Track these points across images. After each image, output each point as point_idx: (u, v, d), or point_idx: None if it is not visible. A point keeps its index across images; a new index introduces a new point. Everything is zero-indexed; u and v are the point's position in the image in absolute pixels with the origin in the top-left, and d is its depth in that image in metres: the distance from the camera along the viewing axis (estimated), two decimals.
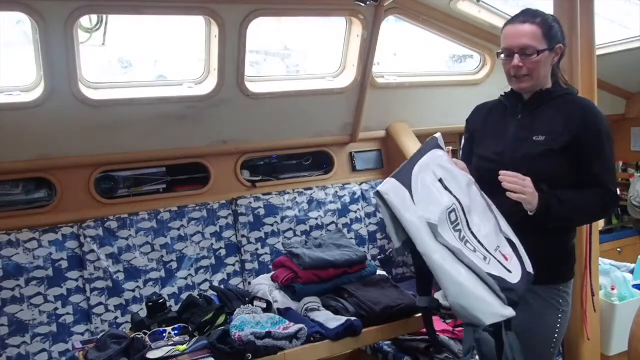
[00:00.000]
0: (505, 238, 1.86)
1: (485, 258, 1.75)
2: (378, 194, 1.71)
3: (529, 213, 1.85)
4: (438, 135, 2.00)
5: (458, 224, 1.77)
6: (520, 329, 1.90)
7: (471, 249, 1.74)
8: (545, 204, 1.84)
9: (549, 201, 1.85)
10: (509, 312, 1.71)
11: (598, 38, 2.39)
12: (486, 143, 2.06)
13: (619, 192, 3.02)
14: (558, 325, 1.97)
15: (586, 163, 1.89)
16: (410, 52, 4.11)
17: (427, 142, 1.95)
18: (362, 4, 2.88)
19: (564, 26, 2.23)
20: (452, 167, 1.89)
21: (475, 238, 1.79)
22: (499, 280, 1.71)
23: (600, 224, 2.57)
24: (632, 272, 2.94)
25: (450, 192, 1.80)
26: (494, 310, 1.69)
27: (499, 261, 1.77)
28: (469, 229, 1.79)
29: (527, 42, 1.87)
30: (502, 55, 1.95)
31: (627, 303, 2.62)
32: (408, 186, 1.73)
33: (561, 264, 1.99)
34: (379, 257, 2.34)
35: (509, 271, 1.77)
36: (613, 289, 2.65)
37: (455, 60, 4.32)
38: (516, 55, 1.90)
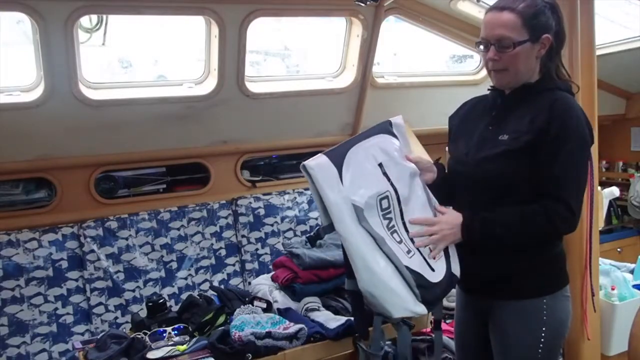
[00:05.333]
0: None
1: (409, 251, 1.68)
2: (304, 168, 1.63)
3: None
4: (395, 119, 1.85)
5: (389, 212, 1.69)
6: (498, 350, 1.83)
7: (396, 240, 1.67)
8: (466, 227, 1.70)
9: (470, 224, 1.70)
10: (421, 309, 1.64)
11: (598, 38, 2.38)
12: (458, 142, 1.88)
13: (617, 193, 3.06)
14: (542, 340, 1.75)
15: (543, 165, 1.65)
16: (410, 52, 4.11)
17: (378, 125, 1.83)
18: (362, 4, 2.88)
19: (564, 26, 2.22)
20: (398, 155, 1.78)
21: (406, 230, 1.71)
22: (417, 275, 1.64)
23: (600, 224, 2.57)
24: (632, 272, 2.94)
25: (388, 179, 1.72)
26: (405, 304, 1.63)
27: (424, 257, 1.70)
28: (402, 219, 1.72)
29: (503, 32, 1.66)
30: (481, 47, 1.74)
31: (627, 303, 2.61)
32: (339, 165, 1.65)
33: (542, 274, 1.78)
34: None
35: (432, 269, 1.70)
36: (613, 289, 2.65)
37: (455, 60, 4.32)
38: (492, 47, 1.69)
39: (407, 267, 1.63)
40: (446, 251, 1.75)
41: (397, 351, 1.77)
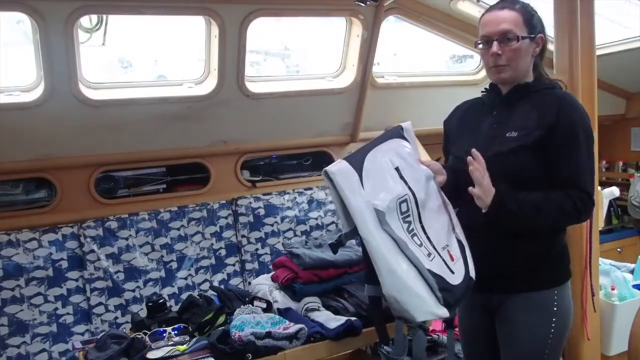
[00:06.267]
0: (456, 239, 1.81)
1: (429, 254, 1.70)
2: (326, 174, 1.66)
3: (483, 210, 1.75)
4: (405, 124, 1.89)
5: (408, 216, 1.71)
6: (506, 342, 1.86)
7: (417, 243, 1.69)
8: (500, 199, 1.72)
9: (505, 197, 1.72)
10: (443, 312, 1.66)
11: (598, 38, 2.38)
12: (460, 142, 1.93)
13: (617, 193, 3.05)
14: (552, 330, 1.82)
15: (559, 160, 1.74)
16: (410, 52, 4.11)
17: (390, 130, 1.88)
18: (362, 4, 2.88)
19: (564, 26, 2.23)
20: (411, 159, 1.81)
21: (425, 233, 1.73)
22: (439, 278, 1.66)
23: (600, 224, 2.57)
24: (632, 272, 2.94)
25: (406, 182, 1.75)
26: (428, 308, 1.64)
27: (444, 260, 1.72)
28: (420, 222, 1.74)
29: (507, 27, 1.76)
30: (480, 45, 1.83)
31: (627, 303, 2.62)
32: (359, 170, 1.69)
33: (553, 266, 1.84)
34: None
35: (452, 272, 1.72)
36: (613, 289, 2.65)
37: (455, 60, 4.32)
38: (495, 42, 1.78)
39: (429, 271, 1.65)
40: (464, 254, 1.78)
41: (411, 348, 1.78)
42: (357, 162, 1.71)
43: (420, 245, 1.70)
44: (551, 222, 1.79)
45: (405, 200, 1.71)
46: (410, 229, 1.70)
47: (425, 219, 1.75)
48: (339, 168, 1.68)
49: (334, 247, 1.77)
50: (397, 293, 1.63)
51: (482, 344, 1.97)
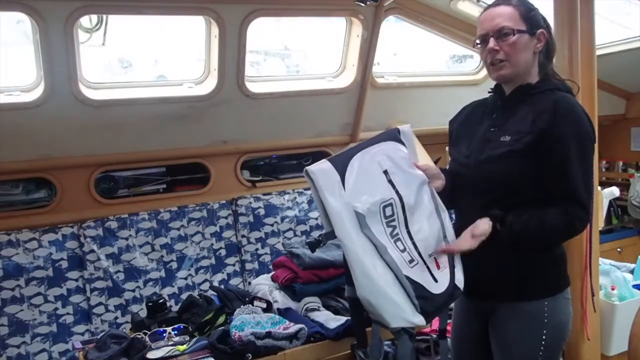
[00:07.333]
0: None
1: (411, 260, 1.66)
2: (306, 173, 1.64)
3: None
4: (403, 127, 1.85)
5: (393, 220, 1.68)
6: (498, 352, 1.82)
7: (400, 248, 1.66)
8: (500, 220, 1.67)
9: (506, 218, 1.67)
10: (419, 319, 1.62)
11: (598, 38, 2.38)
12: (459, 145, 1.89)
13: (617, 193, 3.04)
14: (543, 342, 1.75)
15: (551, 170, 1.66)
16: (410, 52, 4.11)
17: (386, 132, 1.84)
18: (362, 4, 2.88)
19: (564, 26, 2.22)
20: (404, 163, 1.77)
21: (411, 238, 1.70)
22: (417, 285, 1.63)
23: (600, 224, 2.57)
24: (632, 272, 2.93)
25: (393, 186, 1.71)
26: (402, 314, 1.61)
27: (428, 267, 1.69)
28: (407, 227, 1.70)
29: (503, 22, 1.70)
30: (479, 44, 1.77)
31: (627, 303, 2.61)
32: (342, 171, 1.66)
33: (542, 276, 1.77)
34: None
35: (435, 280, 1.68)
36: (613, 289, 2.65)
37: (455, 60, 4.32)
38: (491, 39, 1.71)
39: (407, 277, 1.62)
40: (451, 262, 1.74)
41: (397, 353, 1.77)
42: (341, 162, 1.68)
43: (404, 250, 1.67)
44: (546, 245, 1.75)
45: (391, 205, 1.68)
46: (394, 233, 1.67)
47: (412, 225, 1.71)
48: (320, 168, 1.65)
49: (313, 246, 1.74)
50: (370, 296, 1.60)
51: (474, 349, 1.93)
